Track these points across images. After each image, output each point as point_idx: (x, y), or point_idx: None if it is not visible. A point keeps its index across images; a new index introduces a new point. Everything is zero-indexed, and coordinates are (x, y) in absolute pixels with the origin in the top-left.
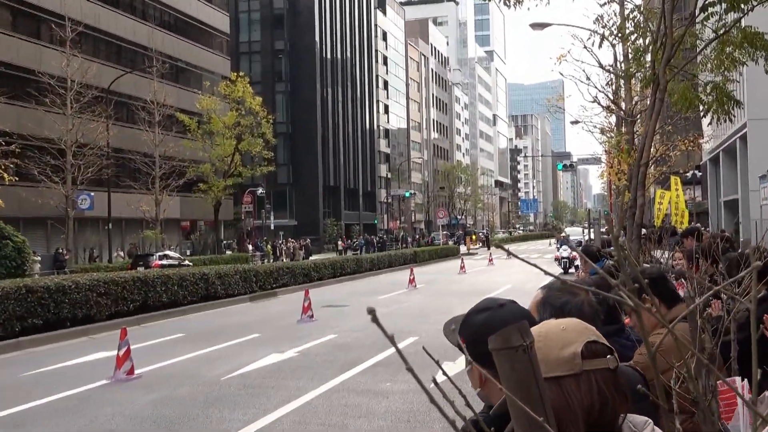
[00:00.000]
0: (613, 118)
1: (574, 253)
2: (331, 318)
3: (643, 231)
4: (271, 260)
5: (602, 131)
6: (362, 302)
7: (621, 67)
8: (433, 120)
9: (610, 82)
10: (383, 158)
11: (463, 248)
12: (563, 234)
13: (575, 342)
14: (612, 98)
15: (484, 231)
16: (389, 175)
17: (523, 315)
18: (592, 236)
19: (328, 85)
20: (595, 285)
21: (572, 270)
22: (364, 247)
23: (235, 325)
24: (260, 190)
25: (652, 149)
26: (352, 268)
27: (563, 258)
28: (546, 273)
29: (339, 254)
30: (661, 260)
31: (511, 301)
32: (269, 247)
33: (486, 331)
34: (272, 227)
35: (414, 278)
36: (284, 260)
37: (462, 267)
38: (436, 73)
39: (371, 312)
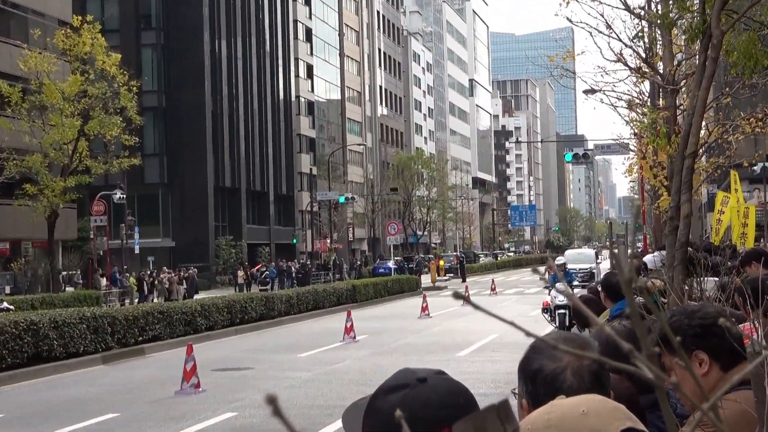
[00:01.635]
0: (645, 86)
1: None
2: (227, 388)
3: (692, 251)
4: (137, 300)
5: (630, 105)
6: (274, 363)
7: (657, 10)
8: (381, 88)
9: (641, 33)
10: (306, 145)
11: (425, 279)
12: (557, 261)
13: None
14: (644, 57)
15: (458, 254)
16: (315, 171)
17: (458, 393)
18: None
19: (221, 36)
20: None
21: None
22: (277, 280)
23: (79, 400)
24: (119, 195)
25: (702, 132)
26: (259, 311)
27: (558, 307)
28: (528, 334)
29: (239, 290)
30: (719, 297)
31: (438, 372)
32: (133, 280)
33: (400, 420)
34: (137, 250)
35: (352, 326)
36: (156, 300)
37: (424, 308)
38: (383, 16)
39: (271, 401)
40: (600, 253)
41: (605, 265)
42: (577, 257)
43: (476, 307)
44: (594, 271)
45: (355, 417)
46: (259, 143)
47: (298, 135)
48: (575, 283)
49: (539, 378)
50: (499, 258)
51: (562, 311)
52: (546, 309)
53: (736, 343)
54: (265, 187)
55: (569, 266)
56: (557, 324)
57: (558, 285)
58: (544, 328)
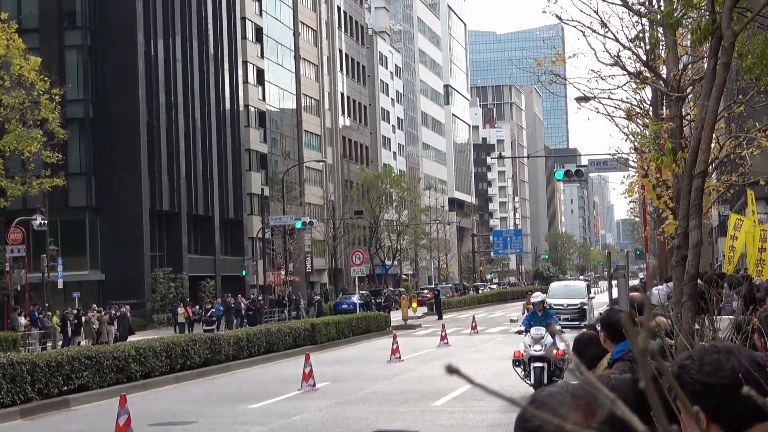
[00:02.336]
0: (647, 93)
1: (560, 348)
2: None
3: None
4: (60, 344)
5: (629, 115)
6: (221, 416)
7: (660, 7)
8: (343, 95)
9: (641, 33)
10: (256, 162)
11: (396, 316)
12: (534, 298)
13: None
14: (645, 60)
15: (434, 286)
16: (267, 192)
17: None
18: (615, 294)
19: (157, 36)
20: (626, 388)
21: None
22: (224, 319)
23: None
24: (39, 221)
25: (713, 146)
26: (203, 355)
27: (534, 359)
28: (506, 400)
29: (180, 331)
30: (732, 337)
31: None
32: (56, 320)
33: None
34: (61, 285)
35: (312, 372)
36: (83, 343)
37: (395, 350)
38: (345, 13)
39: None
40: (595, 285)
41: (601, 300)
42: (564, 291)
43: (471, 381)
44: (585, 307)
45: None
46: (202, 160)
47: (248, 150)
48: (559, 324)
49: None
50: (480, 290)
51: (538, 365)
52: (518, 361)
53: (751, 405)
54: (210, 210)
55: (554, 302)
56: (532, 381)
57: (534, 330)
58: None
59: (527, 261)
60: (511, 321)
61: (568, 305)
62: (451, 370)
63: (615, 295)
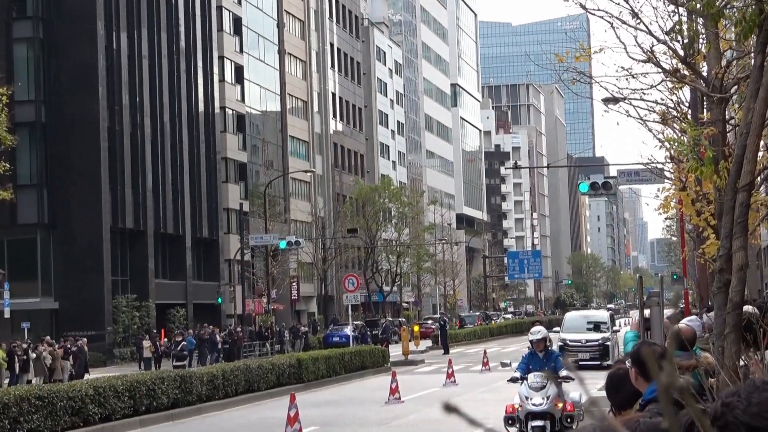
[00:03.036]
0: (685, 94)
1: (569, 400)
2: None
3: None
4: (7, 382)
5: (664, 119)
6: None
7: None
8: (334, 96)
9: (678, 26)
10: (234, 173)
11: (395, 351)
12: (533, 335)
13: None
14: (683, 55)
15: (441, 316)
16: (246, 207)
17: None
18: (652, 329)
19: (119, 27)
20: None
21: None
22: (197, 353)
23: None
24: None
25: (761, 155)
26: (172, 395)
27: (533, 415)
28: None
29: (145, 367)
30: None
31: None
32: (2, 354)
33: None
34: (7, 314)
35: (297, 415)
36: (34, 381)
37: (393, 390)
38: (337, 1)
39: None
40: (625, 315)
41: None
42: (582, 323)
43: (473, 422)
44: (608, 344)
45: None
46: (171, 170)
47: (224, 159)
48: (566, 371)
49: None
50: (492, 320)
51: (538, 424)
52: (511, 418)
53: None
54: (180, 228)
55: (569, 338)
56: None
57: (532, 378)
58: None
59: (547, 287)
60: (503, 365)
61: (587, 341)
62: (450, 408)
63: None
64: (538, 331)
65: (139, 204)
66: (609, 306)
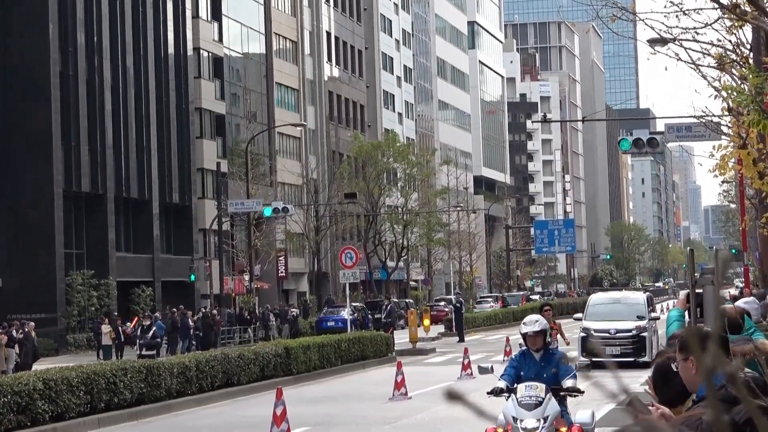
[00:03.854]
0: (746, 34)
1: (577, 422)
2: None
3: None
4: None
5: (721, 63)
6: None
7: None
8: (329, 36)
9: None
10: (211, 127)
11: (401, 337)
12: (527, 328)
13: None
14: None
15: (456, 296)
16: (225, 167)
17: None
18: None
19: None
20: None
21: None
22: (166, 340)
23: None
24: None
25: None
26: (137, 390)
27: None
28: None
29: (105, 356)
30: None
31: None
32: None
33: None
34: None
35: (285, 413)
36: None
37: (399, 384)
38: None
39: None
40: (674, 294)
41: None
42: (610, 309)
43: (480, 413)
44: (644, 334)
45: None
46: (135, 124)
47: (198, 110)
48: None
49: None
50: (491, 305)
51: None
52: None
53: None
54: (146, 192)
55: (594, 327)
56: None
57: (523, 390)
58: None
59: (582, 263)
60: (481, 370)
61: (617, 332)
62: (453, 396)
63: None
64: (533, 321)
65: (97, 163)
66: (656, 285)
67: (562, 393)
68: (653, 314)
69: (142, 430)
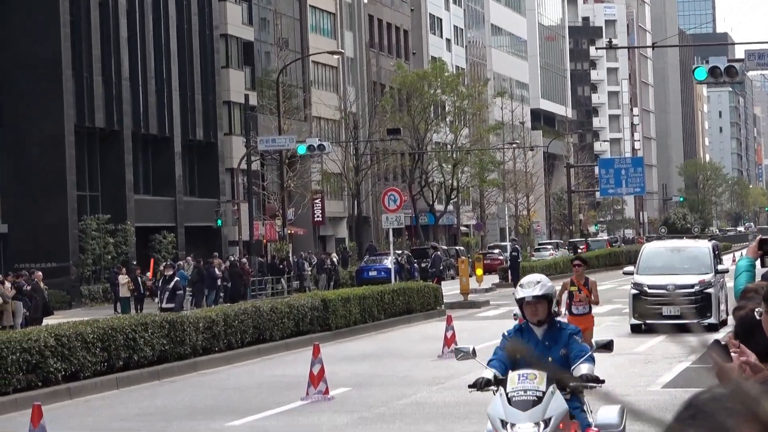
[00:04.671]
0: None
1: (591, 430)
2: None
3: None
4: None
5: None
6: None
7: None
8: None
9: None
10: (238, 55)
11: (451, 288)
12: (523, 292)
13: None
14: None
15: (512, 243)
16: (254, 100)
17: None
18: None
19: None
20: None
21: None
22: (190, 292)
23: None
24: None
25: None
26: (158, 347)
27: None
28: (631, 410)
29: (122, 310)
30: None
31: None
32: None
33: None
34: None
35: (323, 373)
36: None
37: (449, 340)
38: None
39: None
40: (754, 237)
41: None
42: (668, 260)
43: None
44: (710, 290)
45: None
46: (155, 53)
47: (224, 36)
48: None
49: None
50: (579, 251)
51: None
52: None
53: None
54: (167, 128)
55: (648, 283)
56: None
57: (518, 379)
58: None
59: (652, 206)
60: (458, 353)
61: (676, 288)
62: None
63: None
64: (533, 283)
65: (111, 96)
66: (736, 230)
67: (572, 385)
68: (720, 266)
69: (164, 390)
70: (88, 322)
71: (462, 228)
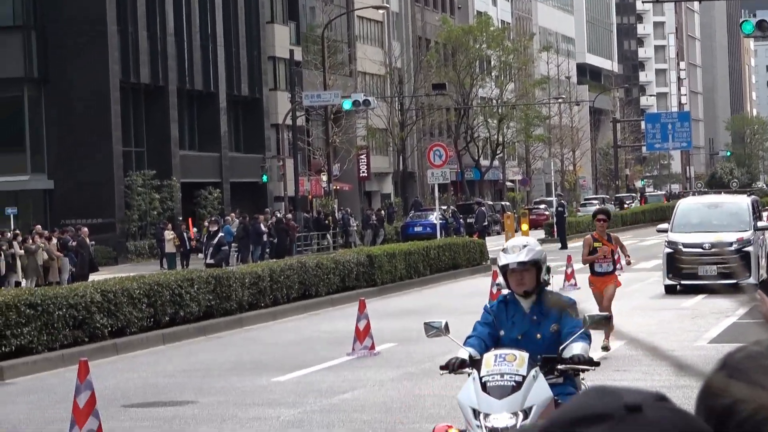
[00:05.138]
0: None
1: None
2: None
3: None
4: None
5: None
6: (232, 393)
7: None
8: None
9: None
10: (282, 10)
11: (496, 244)
12: (507, 257)
13: None
14: None
15: (558, 199)
16: (299, 56)
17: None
18: None
19: None
20: None
21: None
22: (235, 248)
23: None
24: None
25: None
26: (204, 302)
27: None
28: (674, 364)
29: (169, 265)
30: None
31: (658, 398)
32: None
33: None
34: None
35: (369, 328)
36: (24, 284)
37: (494, 296)
38: None
39: None
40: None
41: None
42: (705, 215)
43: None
44: (749, 249)
45: None
46: (200, 7)
47: None
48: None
49: (732, 423)
50: (626, 206)
51: None
52: None
53: None
54: (212, 84)
55: (683, 241)
56: None
57: (495, 360)
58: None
59: (698, 160)
60: (428, 329)
61: (713, 246)
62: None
63: None
64: (519, 247)
65: (157, 52)
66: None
67: (561, 368)
68: (761, 223)
69: (210, 346)
70: (134, 278)
71: (507, 183)
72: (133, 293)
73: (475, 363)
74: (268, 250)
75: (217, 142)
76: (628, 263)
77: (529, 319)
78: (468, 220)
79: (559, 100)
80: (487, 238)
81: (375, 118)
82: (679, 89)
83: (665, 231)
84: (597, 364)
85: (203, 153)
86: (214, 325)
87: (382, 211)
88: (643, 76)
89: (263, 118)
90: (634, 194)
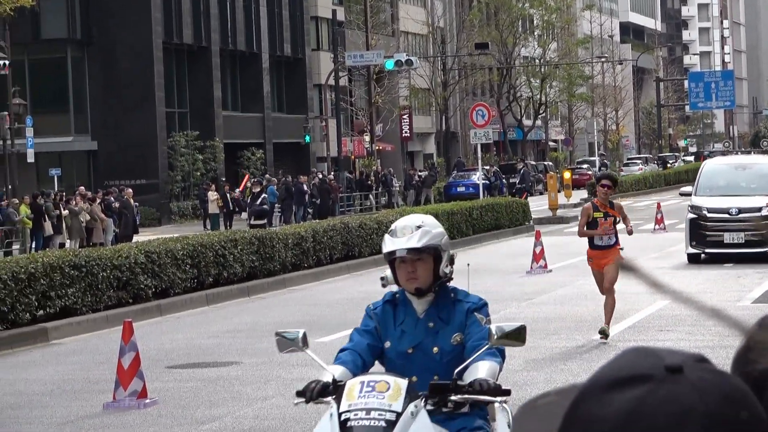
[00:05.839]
0: None
1: None
2: (193, 399)
3: None
4: (33, 246)
5: None
6: (275, 354)
7: None
8: None
9: None
10: None
11: (539, 204)
12: (403, 241)
13: None
14: None
15: (601, 158)
16: (341, 15)
17: (739, 399)
18: None
19: None
20: None
21: None
22: (278, 209)
23: None
24: None
25: None
26: (248, 263)
27: None
28: (729, 322)
29: (212, 226)
30: None
31: (699, 360)
32: (25, 209)
33: None
34: (31, 158)
35: None
36: (69, 245)
37: (537, 256)
38: None
39: None
40: None
41: None
42: (731, 179)
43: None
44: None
45: (538, 428)
46: None
47: None
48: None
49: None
50: (669, 165)
51: None
52: None
53: None
54: (255, 44)
55: (707, 206)
56: None
57: (361, 389)
58: None
59: (742, 120)
60: (282, 346)
61: (740, 211)
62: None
63: None
64: (411, 228)
65: (199, 12)
66: None
67: (455, 399)
68: None
69: (254, 306)
70: (177, 239)
71: (550, 143)
72: (176, 254)
73: (338, 389)
74: (310, 210)
75: (259, 102)
76: (629, 233)
77: (423, 327)
78: (511, 180)
79: (602, 59)
80: (529, 198)
81: (417, 78)
82: (722, 48)
83: (688, 195)
84: (507, 392)
85: (246, 114)
86: (257, 286)
87: (423, 172)
88: (686, 35)
89: (306, 79)
90: (677, 153)
